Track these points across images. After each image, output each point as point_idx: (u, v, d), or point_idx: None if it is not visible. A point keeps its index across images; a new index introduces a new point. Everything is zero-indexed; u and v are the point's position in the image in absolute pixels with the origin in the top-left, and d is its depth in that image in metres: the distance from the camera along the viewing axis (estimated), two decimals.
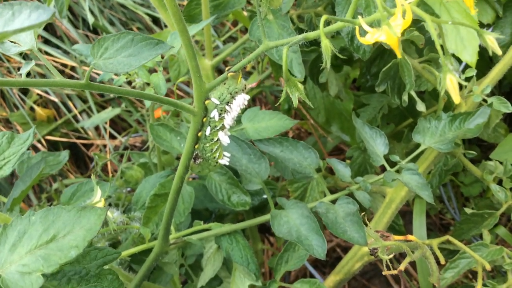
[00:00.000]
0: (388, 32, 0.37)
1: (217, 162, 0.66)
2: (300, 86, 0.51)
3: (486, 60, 1.20)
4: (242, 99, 0.60)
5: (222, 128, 0.63)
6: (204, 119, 0.62)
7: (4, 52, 0.49)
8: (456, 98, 0.39)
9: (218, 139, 0.63)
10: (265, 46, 0.55)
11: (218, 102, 0.60)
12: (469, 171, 0.99)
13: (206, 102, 0.60)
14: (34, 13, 0.35)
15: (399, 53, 0.38)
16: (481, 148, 1.53)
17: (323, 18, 0.44)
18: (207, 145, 0.64)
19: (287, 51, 0.49)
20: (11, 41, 0.49)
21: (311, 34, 0.50)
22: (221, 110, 0.61)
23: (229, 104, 0.60)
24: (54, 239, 0.49)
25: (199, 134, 0.63)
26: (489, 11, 1.04)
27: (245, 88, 0.61)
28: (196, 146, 0.65)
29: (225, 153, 0.66)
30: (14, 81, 0.44)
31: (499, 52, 0.40)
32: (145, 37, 0.47)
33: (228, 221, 1.14)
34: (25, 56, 1.77)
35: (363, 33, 0.43)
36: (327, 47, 0.45)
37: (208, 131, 0.62)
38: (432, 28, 0.37)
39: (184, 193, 0.81)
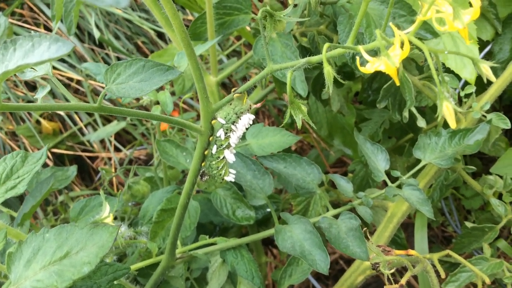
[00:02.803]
0: (387, 63, 0.39)
1: (223, 179, 0.68)
2: (304, 108, 0.53)
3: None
4: (247, 119, 0.63)
5: (228, 146, 0.65)
6: (211, 138, 0.64)
7: (20, 77, 0.51)
8: (452, 123, 0.41)
9: (224, 157, 0.66)
10: (269, 69, 0.58)
11: (224, 122, 0.62)
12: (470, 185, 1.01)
13: (213, 122, 0.63)
14: (53, 45, 0.38)
15: (397, 81, 0.40)
16: (482, 161, 1.55)
17: (326, 46, 0.46)
18: (213, 162, 0.66)
19: (291, 75, 0.51)
20: None
21: (313, 59, 0.53)
22: (227, 130, 0.63)
23: (235, 124, 0.63)
24: (68, 255, 0.51)
25: (206, 152, 0.65)
26: (489, 28, 1.06)
27: (250, 108, 0.63)
28: (202, 164, 0.67)
29: (231, 170, 0.68)
30: (31, 105, 0.46)
31: (493, 79, 0.42)
32: (156, 63, 0.49)
33: (232, 234, 1.16)
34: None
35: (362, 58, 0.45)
36: (329, 73, 0.47)
37: (214, 149, 0.65)
38: (429, 58, 0.39)
39: (190, 208, 0.83)
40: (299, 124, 0.53)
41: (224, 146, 0.64)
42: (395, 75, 0.40)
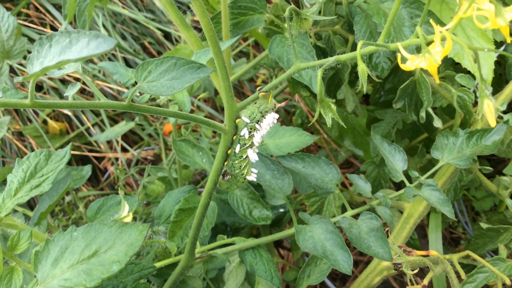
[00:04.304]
0: (430, 59, 0.39)
1: (245, 179, 0.67)
2: (334, 107, 0.53)
3: (498, 77, 1.23)
4: (272, 118, 0.62)
5: (251, 145, 0.64)
6: (234, 137, 0.64)
7: (49, 74, 0.51)
8: (492, 121, 0.41)
9: (247, 156, 0.65)
10: (296, 67, 0.57)
11: (248, 121, 0.62)
12: (482, 186, 1.01)
13: (237, 120, 0.62)
14: (93, 41, 0.37)
15: (437, 78, 0.40)
16: (490, 162, 1.55)
17: (360, 43, 0.46)
18: (236, 162, 0.65)
19: (321, 73, 0.51)
20: None
21: (343, 57, 0.52)
22: (251, 129, 0.63)
23: (259, 123, 0.62)
24: (96, 254, 0.51)
25: (229, 151, 0.65)
26: None
27: (275, 107, 0.63)
28: (225, 163, 0.66)
29: (253, 170, 0.68)
30: (63, 103, 0.46)
31: None
32: (187, 61, 0.49)
33: (244, 235, 1.16)
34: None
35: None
36: (363, 71, 0.47)
37: (237, 148, 0.64)
38: (469, 54, 0.38)
39: (208, 208, 0.83)
40: (329, 123, 0.53)
41: (247, 145, 0.64)
42: (436, 73, 0.39)
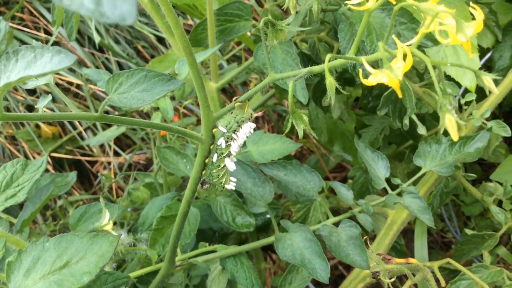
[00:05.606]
0: (390, 75, 0.39)
1: (223, 187, 0.68)
2: (305, 118, 0.53)
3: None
4: (248, 128, 0.63)
5: (229, 155, 0.65)
6: (211, 146, 0.64)
7: (22, 86, 0.51)
8: (454, 136, 0.41)
9: (224, 166, 0.65)
10: (271, 78, 0.58)
11: (225, 131, 0.62)
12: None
13: (214, 130, 0.63)
14: (56, 57, 0.38)
15: (400, 93, 0.40)
16: (481, 166, 1.55)
17: (328, 57, 0.46)
18: (214, 171, 0.66)
19: (293, 85, 0.51)
20: None
21: (315, 69, 0.52)
22: (228, 138, 0.63)
23: (236, 133, 0.62)
24: (67, 265, 0.51)
25: (207, 160, 0.65)
26: (489, 36, 1.06)
27: (251, 117, 0.63)
28: (203, 172, 0.67)
29: (232, 178, 0.68)
30: (32, 115, 0.46)
31: (495, 92, 0.42)
32: (157, 73, 0.49)
33: (232, 240, 1.16)
34: None
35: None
36: (331, 84, 0.47)
37: (215, 158, 0.64)
38: (431, 70, 0.39)
39: (190, 215, 0.83)
40: (300, 134, 0.53)
41: (224, 154, 0.64)
42: (398, 88, 0.39)
